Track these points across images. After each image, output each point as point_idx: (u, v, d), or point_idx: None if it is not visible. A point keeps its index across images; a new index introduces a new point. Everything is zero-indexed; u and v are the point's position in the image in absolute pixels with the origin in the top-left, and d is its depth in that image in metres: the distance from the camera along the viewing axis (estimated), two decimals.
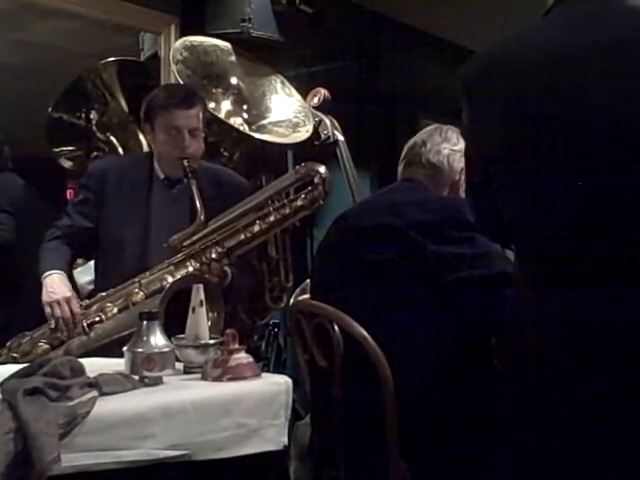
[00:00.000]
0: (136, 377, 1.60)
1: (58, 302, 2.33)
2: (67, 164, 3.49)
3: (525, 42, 1.42)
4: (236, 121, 3.19)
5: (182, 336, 1.80)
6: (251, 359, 1.73)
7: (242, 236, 2.36)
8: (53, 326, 2.34)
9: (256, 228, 2.36)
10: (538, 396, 1.34)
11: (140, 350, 1.63)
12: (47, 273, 2.40)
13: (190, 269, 2.32)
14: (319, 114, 3.31)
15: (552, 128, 1.32)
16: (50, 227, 2.55)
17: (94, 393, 1.45)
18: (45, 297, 2.35)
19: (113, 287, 2.37)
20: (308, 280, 2.79)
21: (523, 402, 1.37)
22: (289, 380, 1.72)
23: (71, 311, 2.32)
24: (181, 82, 2.98)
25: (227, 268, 2.38)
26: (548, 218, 1.34)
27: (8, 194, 3.23)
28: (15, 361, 2.31)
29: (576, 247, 1.30)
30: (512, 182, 1.39)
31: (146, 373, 1.61)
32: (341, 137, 3.31)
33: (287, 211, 2.36)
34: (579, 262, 1.30)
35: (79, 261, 3.24)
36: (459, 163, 2.05)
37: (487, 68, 1.45)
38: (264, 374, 1.76)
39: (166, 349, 1.66)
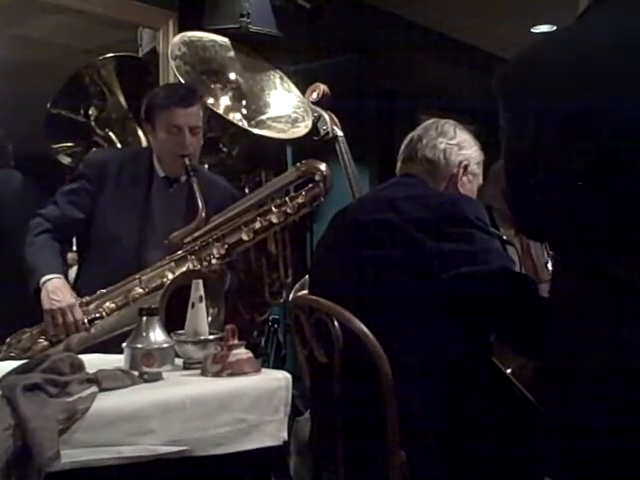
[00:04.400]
0: (135, 373, 1.60)
1: (62, 310, 2.28)
2: (66, 160, 3.48)
3: (561, 43, 1.44)
4: (235, 116, 3.18)
5: (182, 332, 1.80)
6: (251, 355, 1.73)
7: (243, 233, 2.36)
8: (53, 333, 2.31)
9: (257, 225, 2.36)
10: None
11: (140, 346, 1.63)
12: (47, 277, 2.32)
13: (191, 266, 2.32)
14: (318, 109, 3.30)
15: (585, 127, 1.32)
16: (35, 216, 2.46)
17: (93, 389, 1.45)
18: (47, 304, 2.29)
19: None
20: (307, 276, 2.79)
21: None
22: (289, 376, 1.72)
23: (74, 318, 2.29)
24: (180, 77, 2.98)
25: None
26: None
27: (9, 190, 3.22)
28: (14, 357, 2.30)
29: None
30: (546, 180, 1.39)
31: (145, 369, 1.61)
32: (340, 133, 3.30)
33: (288, 208, 2.37)
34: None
35: (72, 256, 3.23)
36: (456, 157, 2.05)
37: (522, 69, 1.46)
38: (264, 370, 1.76)
39: (165, 345, 1.66)
